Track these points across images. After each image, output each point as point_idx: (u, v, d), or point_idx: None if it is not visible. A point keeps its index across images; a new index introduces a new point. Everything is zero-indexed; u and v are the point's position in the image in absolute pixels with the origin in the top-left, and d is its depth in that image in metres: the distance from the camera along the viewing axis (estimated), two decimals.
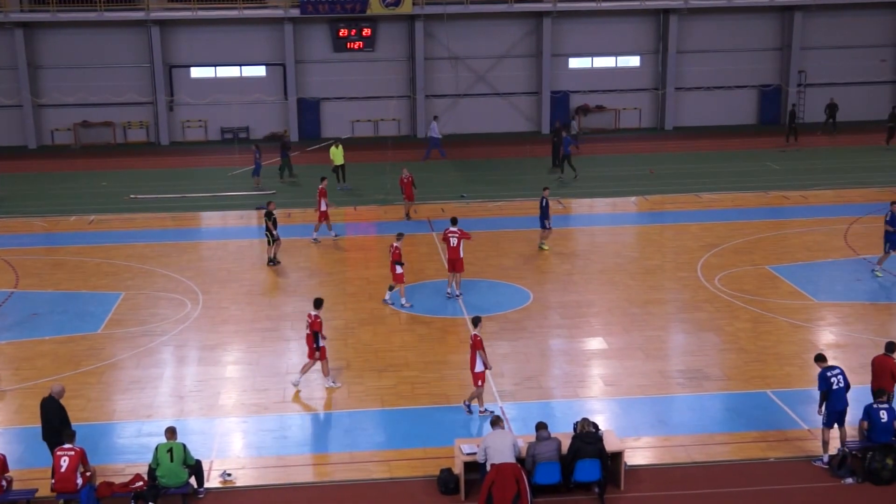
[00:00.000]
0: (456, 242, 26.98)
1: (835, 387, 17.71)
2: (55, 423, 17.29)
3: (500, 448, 16.46)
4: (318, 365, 21.60)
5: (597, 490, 17.01)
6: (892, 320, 25.36)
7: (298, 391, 21.33)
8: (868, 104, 55.07)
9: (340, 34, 52.07)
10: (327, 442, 19.27)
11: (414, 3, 50.64)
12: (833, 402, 17.73)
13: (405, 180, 35.97)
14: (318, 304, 21.84)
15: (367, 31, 52.15)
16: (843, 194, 38.35)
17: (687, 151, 48.24)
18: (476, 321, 20.43)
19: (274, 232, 30.35)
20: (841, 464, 17.58)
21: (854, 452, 17.62)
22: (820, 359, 18.30)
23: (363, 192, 40.45)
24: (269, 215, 30.45)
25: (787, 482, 17.41)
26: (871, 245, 31.26)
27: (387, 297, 27.14)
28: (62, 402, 17.64)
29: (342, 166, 40.99)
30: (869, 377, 18.96)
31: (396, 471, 17.96)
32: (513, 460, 16.41)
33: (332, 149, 41.13)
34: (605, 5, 52.39)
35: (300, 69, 52.32)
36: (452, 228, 27.33)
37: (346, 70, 52.71)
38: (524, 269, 29.73)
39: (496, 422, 17.03)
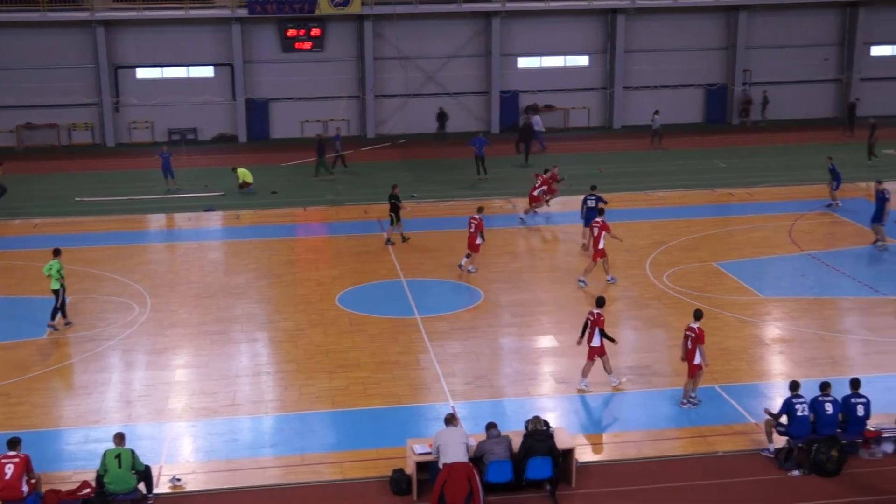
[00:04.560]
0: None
1: (799, 413, 17.90)
2: None
3: (453, 446, 16.48)
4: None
5: (548, 487, 17.08)
6: (836, 314, 25.74)
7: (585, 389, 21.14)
8: (811, 102, 55.77)
9: (289, 34, 51.78)
10: (278, 444, 19.15)
11: (363, 3, 50.53)
12: (796, 426, 17.93)
13: (549, 177, 35.92)
14: (600, 302, 21.61)
15: (315, 32, 51.91)
16: (788, 191, 38.79)
17: (635, 150, 48.59)
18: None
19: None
20: (787, 456, 17.82)
21: (800, 445, 17.86)
22: (793, 387, 18.35)
23: (313, 193, 40.26)
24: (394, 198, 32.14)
25: (735, 475, 17.62)
26: (816, 241, 31.75)
27: (462, 262, 28.89)
28: None
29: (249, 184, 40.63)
30: (812, 371, 19.25)
31: (348, 472, 17.91)
32: (465, 459, 16.44)
33: (240, 170, 40.76)
34: (553, 5, 52.63)
35: (248, 70, 51.99)
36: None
37: (295, 70, 52.45)
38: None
39: (449, 420, 17.04)
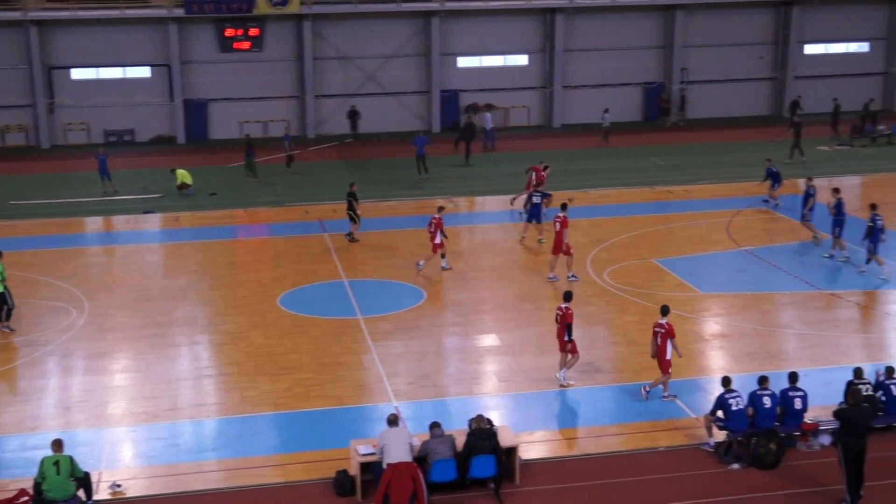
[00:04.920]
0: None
1: (734, 408, 18.10)
2: None
3: (396, 447, 16.46)
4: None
5: (492, 486, 17.13)
6: (774, 309, 26.12)
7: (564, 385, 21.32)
8: (748, 100, 56.53)
9: (227, 34, 51.33)
10: (220, 448, 18.98)
11: (301, 3, 50.26)
12: (733, 420, 18.13)
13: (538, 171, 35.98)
14: (567, 296, 21.62)
15: (254, 31, 51.52)
16: (726, 188, 39.27)
17: (575, 148, 48.90)
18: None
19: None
20: (727, 450, 18.05)
21: (739, 439, 18.10)
22: (724, 383, 18.56)
23: (253, 195, 39.98)
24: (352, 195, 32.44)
25: (676, 470, 17.81)
26: (752, 237, 32.19)
27: (444, 264, 29.23)
28: None
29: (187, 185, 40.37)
30: (751, 365, 19.52)
31: (291, 475, 17.81)
32: (409, 459, 16.43)
33: (179, 171, 40.46)
34: (492, 4, 52.78)
35: (186, 70, 51.45)
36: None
37: (233, 71, 52.02)
38: (416, 268, 29.74)
39: (392, 420, 17.02)
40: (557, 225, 28.20)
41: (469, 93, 54.21)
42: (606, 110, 50.39)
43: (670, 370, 20.45)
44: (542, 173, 35.10)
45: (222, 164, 44.23)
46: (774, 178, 35.47)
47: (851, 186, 39.82)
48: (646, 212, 36.13)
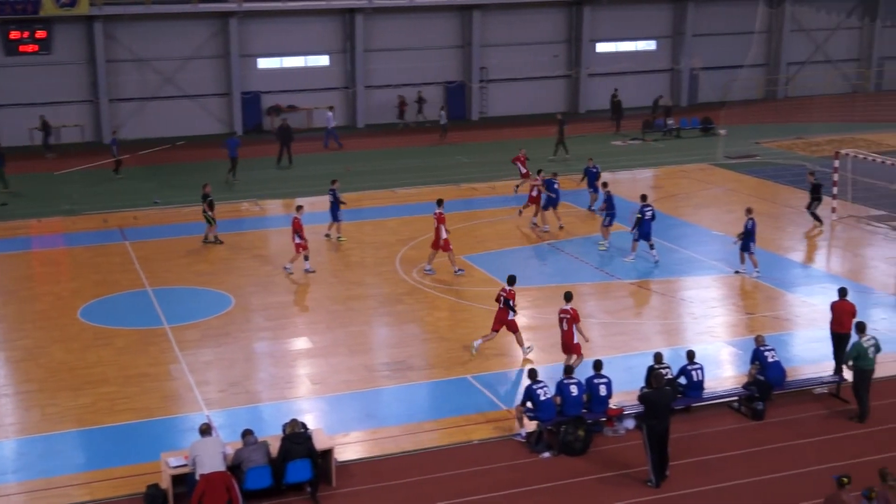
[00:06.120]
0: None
1: (542, 398, 18.50)
2: None
3: (209, 457, 16.14)
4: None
5: (309, 489, 17.03)
6: (576, 300, 26.79)
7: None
8: (544, 97, 58.03)
9: (12, 36, 48.87)
10: (21, 470, 18.11)
11: (91, 4, 48.42)
12: (542, 410, 18.54)
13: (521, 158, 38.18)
14: (511, 280, 23.19)
15: (41, 34, 49.22)
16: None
17: (380, 148, 49.08)
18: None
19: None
20: (538, 439, 18.53)
21: (549, 427, 18.59)
22: (531, 374, 19.00)
23: (50, 204, 38.26)
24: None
25: (491, 462, 18.15)
26: (554, 230, 33.06)
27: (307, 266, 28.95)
28: None
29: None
30: (558, 356, 20.07)
31: (99, 492, 17.20)
32: (223, 468, 16.13)
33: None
34: (291, 5, 52.32)
35: None
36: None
37: (21, 74, 49.55)
38: (223, 274, 29.24)
39: (204, 430, 16.68)
40: (435, 221, 28.47)
41: (271, 94, 53.60)
42: (442, 107, 51.93)
43: (582, 353, 21.23)
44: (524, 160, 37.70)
45: (13, 172, 42.10)
46: (593, 177, 36.23)
47: (645, 179, 41.58)
48: (452, 209, 36.45)
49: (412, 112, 54.42)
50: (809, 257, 30.72)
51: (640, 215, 29.30)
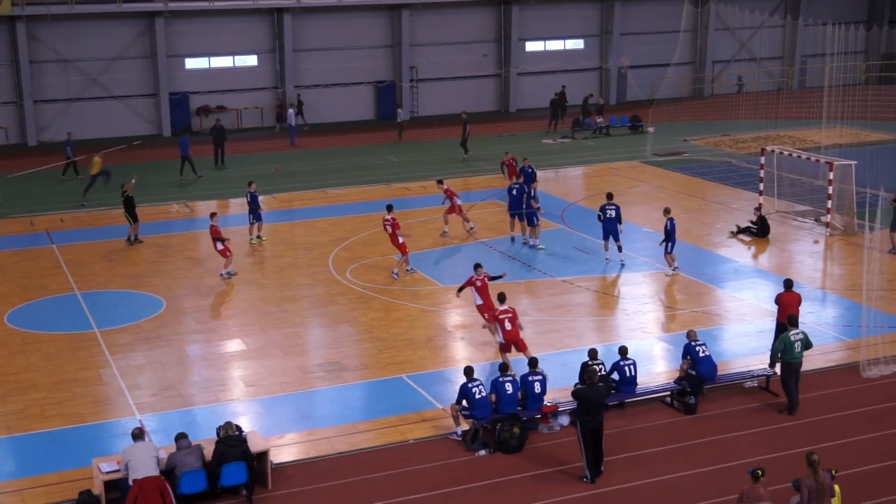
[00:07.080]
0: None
1: (477, 396, 18.57)
2: None
3: (142, 461, 15.95)
4: None
5: (244, 493, 16.90)
6: (511, 298, 26.91)
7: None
8: (475, 96, 58.21)
9: None
10: None
11: (14, 4, 47.51)
12: (477, 408, 18.62)
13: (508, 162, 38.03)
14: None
15: None
16: (462, 182, 40.24)
17: (311, 148, 48.87)
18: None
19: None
20: (474, 437, 18.60)
21: (485, 425, 18.68)
22: (467, 373, 19.01)
23: None
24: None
25: (427, 461, 18.17)
26: (487, 229, 33.23)
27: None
28: None
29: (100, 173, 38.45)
30: (492, 353, 20.16)
31: (31, 500, 16.91)
32: (156, 473, 15.96)
33: (96, 158, 38.42)
34: (218, 5, 51.83)
35: None
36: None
37: None
38: (154, 277, 28.89)
39: (137, 434, 16.48)
40: (389, 228, 28.37)
41: (199, 95, 53.08)
42: (399, 106, 52.52)
43: (527, 349, 21.43)
44: (512, 163, 37.41)
45: None
46: (529, 177, 36.25)
47: (576, 177, 41.96)
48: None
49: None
50: (737, 253, 31.23)
51: (600, 213, 29.44)
